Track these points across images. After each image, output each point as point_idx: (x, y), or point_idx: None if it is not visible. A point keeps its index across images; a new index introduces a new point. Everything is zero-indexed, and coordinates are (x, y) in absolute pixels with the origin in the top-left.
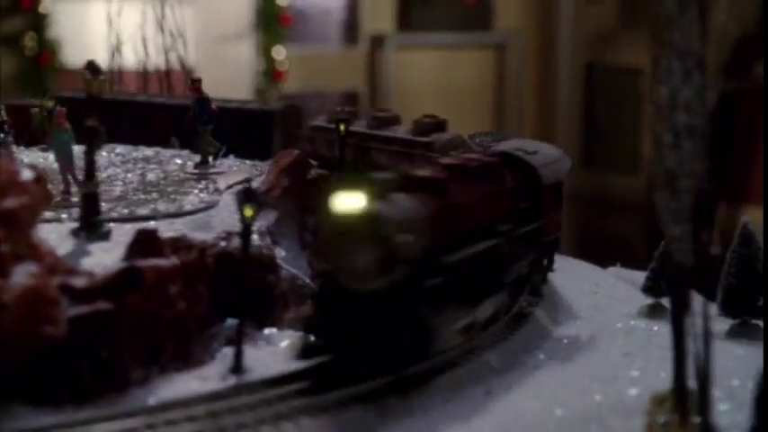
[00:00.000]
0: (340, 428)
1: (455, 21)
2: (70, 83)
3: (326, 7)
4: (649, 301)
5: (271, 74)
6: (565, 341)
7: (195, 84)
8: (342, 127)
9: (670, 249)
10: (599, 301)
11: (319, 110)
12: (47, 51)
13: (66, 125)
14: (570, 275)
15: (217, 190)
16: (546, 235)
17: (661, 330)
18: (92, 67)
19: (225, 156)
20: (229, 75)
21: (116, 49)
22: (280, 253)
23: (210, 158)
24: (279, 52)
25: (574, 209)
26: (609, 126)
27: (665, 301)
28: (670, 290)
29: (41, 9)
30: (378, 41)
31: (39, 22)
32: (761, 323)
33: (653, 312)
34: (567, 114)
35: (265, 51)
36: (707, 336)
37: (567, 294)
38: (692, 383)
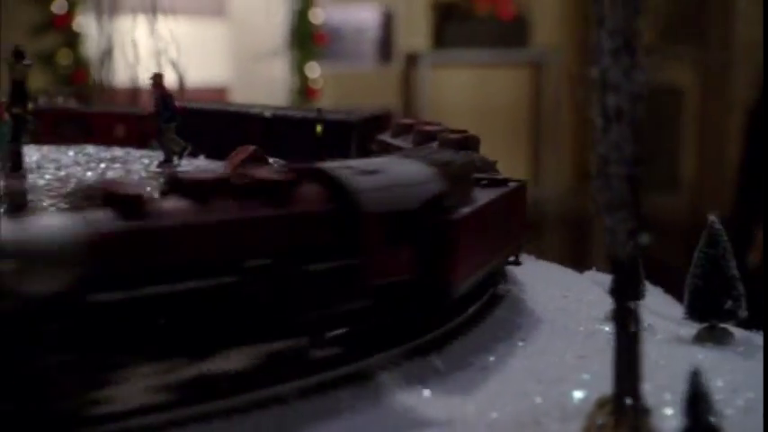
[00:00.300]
0: (266, 428)
1: (491, 37)
2: (106, 100)
3: (361, 25)
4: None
5: (304, 91)
6: (520, 344)
7: (157, 79)
8: (318, 128)
9: (606, 242)
10: (567, 304)
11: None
12: (81, 69)
13: (5, 117)
14: (543, 279)
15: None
16: (375, 276)
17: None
18: (15, 52)
19: (194, 155)
20: (263, 92)
21: (157, 65)
22: None
23: (175, 157)
24: (313, 70)
25: None
26: (647, 145)
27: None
28: (611, 287)
29: (75, 26)
30: (412, 59)
31: (73, 40)
32: (729, 327)
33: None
34: None
35: (299, 69)
36: (633, 335)
37: (535, 297)
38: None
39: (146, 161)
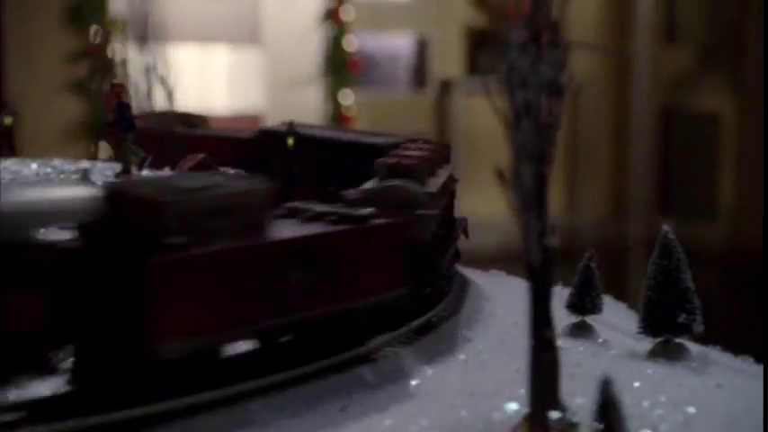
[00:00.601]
0: None
1: None
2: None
3: (395, 52)
4: (574, 319)
5: (338, 118)
6: (462, 357)
7: (115, 88)
8: (290, 141)
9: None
10: (523, 318)
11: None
12: (114, 95)
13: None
14: (504, 293)
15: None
16: None
17: (572, 348)
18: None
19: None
20: (298, 119)
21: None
22: None
23: (134, 167)
24: (346, 97)
25: (650, 257)
26: (685, 172)
27: (591, 319)
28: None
29: (109, 54)
30: (446, 86)
31: (107, 67)
32: (685, 342)
33: (576, 330)
34: (642, 160)
35: (333, 96)
36: (550, 344)
37: (494, 312)
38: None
39: (108, 173)
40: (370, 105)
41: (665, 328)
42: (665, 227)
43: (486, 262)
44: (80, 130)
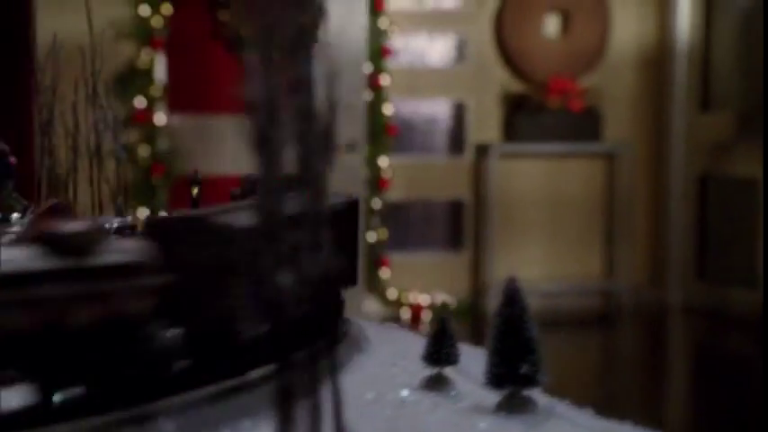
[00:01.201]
0: None
1: (563, 130)
2: (182, 192)
3: (432, 117)
4: (432, 370)
5: (377, 183)
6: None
7: None
8: (194, 191)
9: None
10: (386, 371)
11: (425, 217)
12: (159, 162)
13: None
14: (384, 344)
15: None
16: None
17: (417, 401)
18: None
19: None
20: (337, 184)
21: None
22: None
23: (15, 215)
24: (383, 161)
25: (688, 322)
26: (723, 238)
27: (449, 371)
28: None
29: (156, 121)
30: (483, 151)
31: (152, 134)
32: (533, 394)
33: (431, 383)
34: (680, 225)
35: (371, 161)
36: (289, 397)
37: (361, 363)
38: None
39: None
40: (407, 169)
41: (508, 379)
42: (512, 276)
43: None
44: (125, 196)
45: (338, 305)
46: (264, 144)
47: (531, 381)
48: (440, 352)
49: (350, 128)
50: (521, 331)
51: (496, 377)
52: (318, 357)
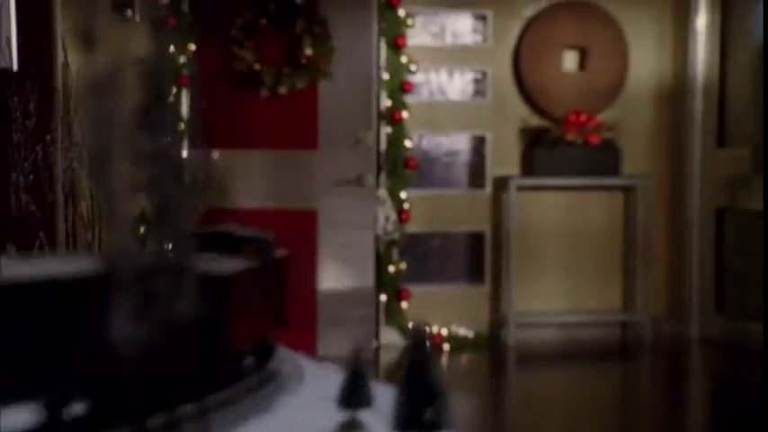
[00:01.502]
0: None
1: (581, 164)
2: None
3: (451, 150)
4: (347, 414)
5: (397, 215)
6: None
7: None
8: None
9: None
10: (309, 414)
11: (445, 250)
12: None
13: None
14: (317, 384)
15: None
16: None
17: None
18: None
19: None
20: (352, 215)
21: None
22: None
23: None
24: (403, 194)
25: (707, 355)
26: (740, 271)
27: (363, 414)
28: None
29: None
30: (502, 183)
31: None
32: None
33: (345, 428)
34: (699, 258)
35: (392, 195)
36: None
37: (285, 405)
38: None
39: None
40: (427, 201)
41: (412, 424)
42: (420, 319)
43: (541, 358)
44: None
45: (264, 349)
46: (105, 185)
47: (435, 426)
48: (353, 395)
49: (360, 163)
50: (425, 376)
51: (402, 423)
52: (204, 413)
